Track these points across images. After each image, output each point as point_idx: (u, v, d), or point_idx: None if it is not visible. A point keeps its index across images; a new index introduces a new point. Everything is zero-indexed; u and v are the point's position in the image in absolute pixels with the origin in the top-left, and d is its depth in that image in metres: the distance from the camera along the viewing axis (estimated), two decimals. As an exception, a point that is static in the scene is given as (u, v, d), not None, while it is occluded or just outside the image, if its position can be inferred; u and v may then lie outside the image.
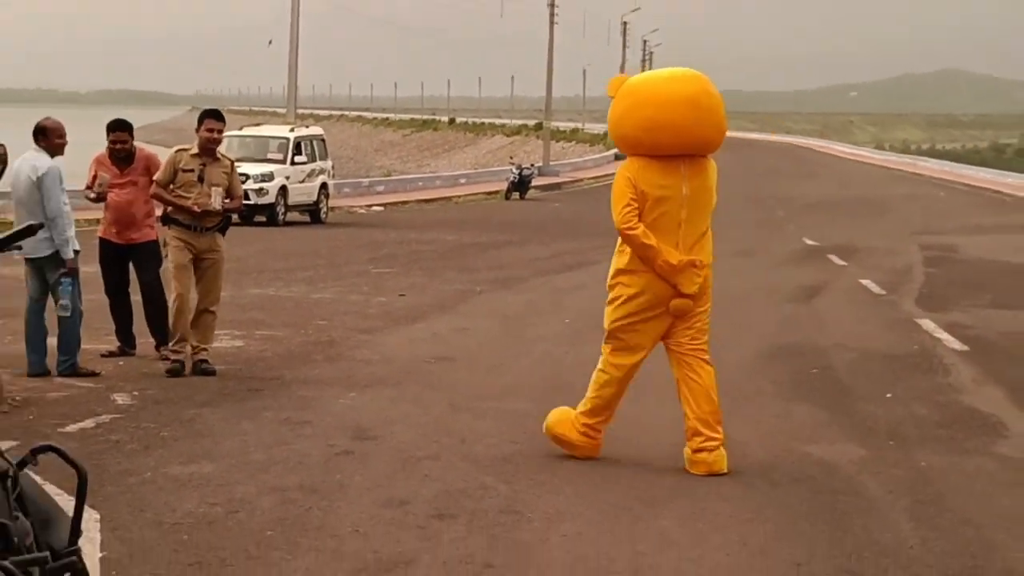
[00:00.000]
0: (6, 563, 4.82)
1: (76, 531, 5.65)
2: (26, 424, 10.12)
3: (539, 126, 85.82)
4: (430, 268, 24.65)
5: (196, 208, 12.88)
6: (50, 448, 5.69)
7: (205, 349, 12.91)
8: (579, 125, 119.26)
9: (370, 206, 44.20)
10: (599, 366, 9.59)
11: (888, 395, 12.45)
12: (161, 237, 13.51)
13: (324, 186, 37.88)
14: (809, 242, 33.66)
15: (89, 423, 10.43)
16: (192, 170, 12.98)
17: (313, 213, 37.16)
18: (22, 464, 5.49)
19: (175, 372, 12.56)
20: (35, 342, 12.55)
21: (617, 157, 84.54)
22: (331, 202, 38.97)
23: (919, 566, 7.55)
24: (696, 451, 9.29)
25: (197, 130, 13.26)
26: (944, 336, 16.39)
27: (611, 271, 9.46)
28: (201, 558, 7.25)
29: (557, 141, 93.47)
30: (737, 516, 8.43)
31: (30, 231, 6.36)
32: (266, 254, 26.97)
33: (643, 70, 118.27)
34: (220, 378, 12.50)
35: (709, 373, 9.50)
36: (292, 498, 8.49)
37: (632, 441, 10.28)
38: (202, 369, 12.67)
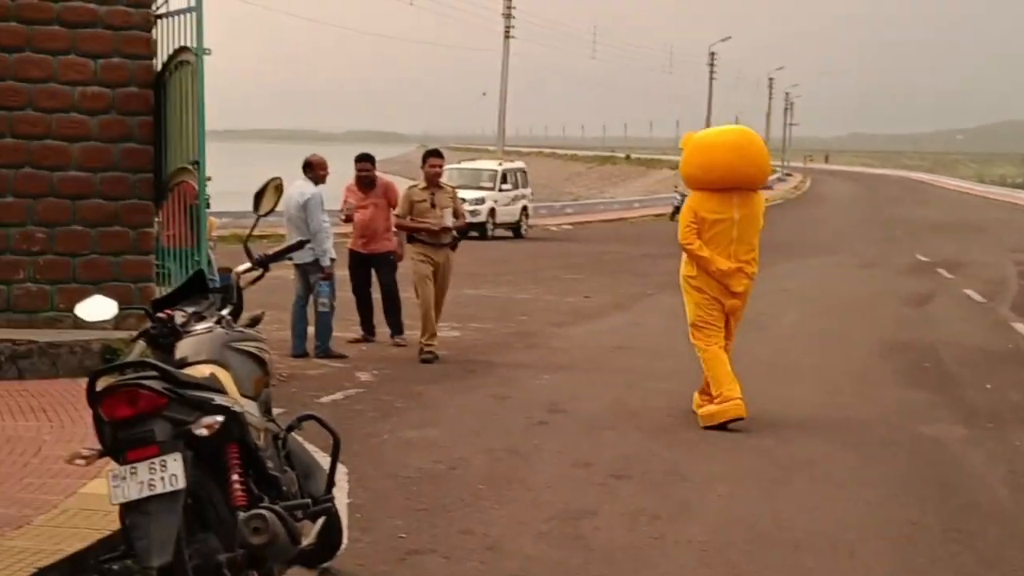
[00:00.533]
0: (277, 507, 4.94)
1: (331, 482, 5.77)
2: (290, 395, 10.31)
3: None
4: (610, 274, 24.65)
5: (434, 226, 13.03)
6: (311, 417, 5.83)
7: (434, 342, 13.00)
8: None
9: (561, 224, 44.22)
10: (698, 354, 10.20)
11: (988, 385, 12.12)
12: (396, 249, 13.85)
13: (524, 208, 38.07)
14: (921, 258, 32.90)
15: (339, 395, 10.64)
16: (424, 200, 13.12)
17: (515, 230, 37.38)
18: (290, 428, 5.63)
19: (428, 360, 12.63)
20: (299, 330, 12.82)
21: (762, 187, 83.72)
22: (530, 221, 39.15)
23: (1013, 524, 7.41)
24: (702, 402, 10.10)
25: (422, 166, 13.41)
26: (1035, 337, 15.96)
27: (681, 277, 10.31)
28: (427, 505, 7.33)
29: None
30: (860, 481, 8.30)
31: (299, 246, 6.54)
32: (478, 262, 27.09)
33: (785, 117, 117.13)
34: (442, 362, 12.62)
35: (728, 350, 10.27)
36: (499, 458, 8.55)
37: (771, 417, 10.17)
38: (429, 355, 12.79)
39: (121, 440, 4.65)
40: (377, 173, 14.13)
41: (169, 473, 4.57)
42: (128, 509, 4.59)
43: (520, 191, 37.99)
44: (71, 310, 5.65)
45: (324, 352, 12.68)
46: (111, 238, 11.16)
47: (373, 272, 13.97)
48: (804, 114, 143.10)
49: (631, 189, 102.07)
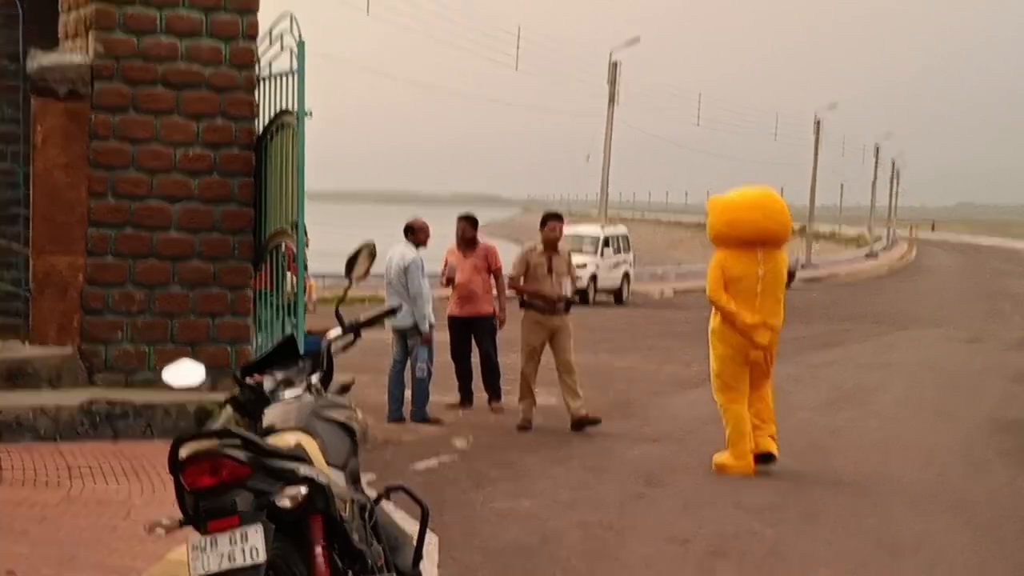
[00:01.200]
0: (362, 581, 4.78)
1: (418, 555, 5.60)
2: (385, 461, 10.20)
3: (803, 229, 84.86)
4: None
5: (552, 295, 12.90)
6: (400, 488, 5.67)
7: (579, 404, 12.76)
8: (836, 228, 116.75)
9: (663, 292, 43.91)
10: (720, 410, 10.83)
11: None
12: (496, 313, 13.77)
13: (627, 274, 37.82)
14: (1031, 333, 32.11)
15: (433, 462, 10.51)
16: (541, 264, 12.96)
17: (617, 295, 37.12)
18: (378, 499, 5.48)
19: (523, 428, 12.52)
20: (395, 394, 12.74)
21: (868, 256, 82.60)
22: (632, 287, 38.87)
23: None
24: (758, 439, 10.63)
25: (541, 229, 13.25)
26: None
27: (709, 330, 10.86)
28: (518, 579, 7.16)
29: (817, 240, 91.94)
30: (968, 565, 7.97)
31: (391, 312, 6.42)
32: (579, 328, 26.40)
33: (892, 186, 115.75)
34: (537, 431, 12.46)
35: (767, 390, 10.90)
36: (593, 533, 8.33)
37: (876, 495, 9.84)
38: (586, 421, 12.57)
39: (203, 510, 4.54)
40: (478, 236, 14.05)
41: (250, 545, 4.45)
42: (208, 582, 4.47)
43: (622, 256, 37.75)
44: (167, 371, 5.58)
45: (421, 417, 12.58)
46: (209, 299, 11.18)
47: (472, 337, 13.86)
48: (911, 183, 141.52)
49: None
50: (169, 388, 5.20)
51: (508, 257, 14.28)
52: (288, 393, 5.25)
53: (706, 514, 9.04)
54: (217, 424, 5.12)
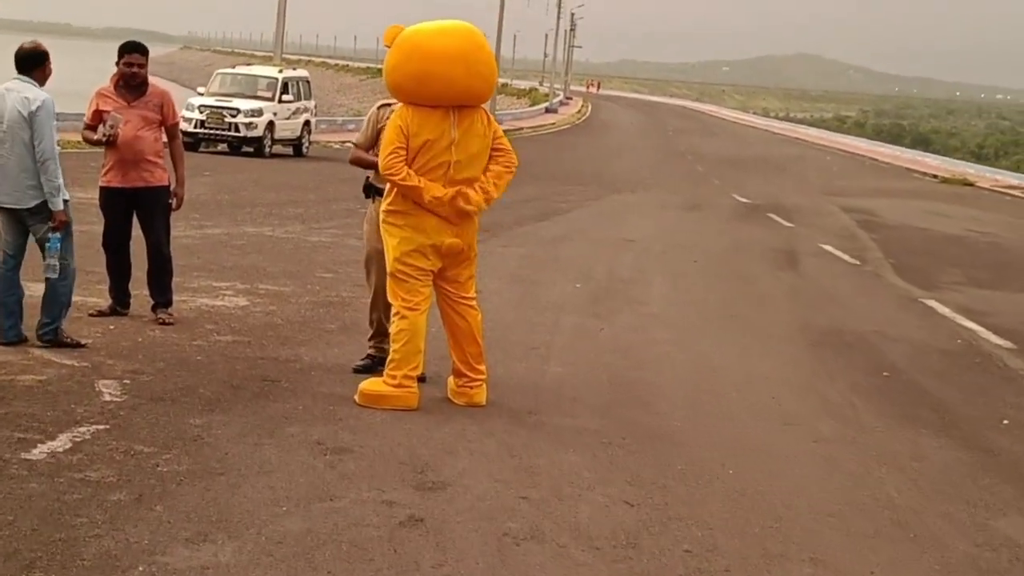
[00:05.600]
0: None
1: None
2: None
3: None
4: (416, 210, 20.62)
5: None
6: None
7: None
8: (508, 81, 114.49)
9: (344, 142, 39.94)
10: (392, 317, 7.78)
11: (1005, 421, 8.67)
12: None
13: (307, 123, 33.66)
14: (740, 198, 30.21)
15: (62, 443, 6.30)
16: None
17: (296, 147, 32.95)
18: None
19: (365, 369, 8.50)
20: (9, 304, 8.53)
21: (548, 110, 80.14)
22: (311, 137, 34.78)
23: None
24: (460, 387, 7.91)
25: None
26: (972, 326, 12.70)
27: (379, 212, 7.92)
28: None
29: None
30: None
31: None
32: (257, 186, 22.87)
33: (568, 40, 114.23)
34: (228, 359, 8.48)
35: (475, 318, 7.96)
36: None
37: (743, 465, 6.48)
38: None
39: None
40: (151, 77, 9.87)
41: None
42: None
43: (303, 103, 33.50)
44: None
45: (52, 335, 8.48)
46: None
47: (137, 217, 9.79)
48: (584, 37, 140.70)
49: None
50: None
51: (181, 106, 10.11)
52: None
53: (527, 553, 5.44)
54: None
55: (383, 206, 7.86)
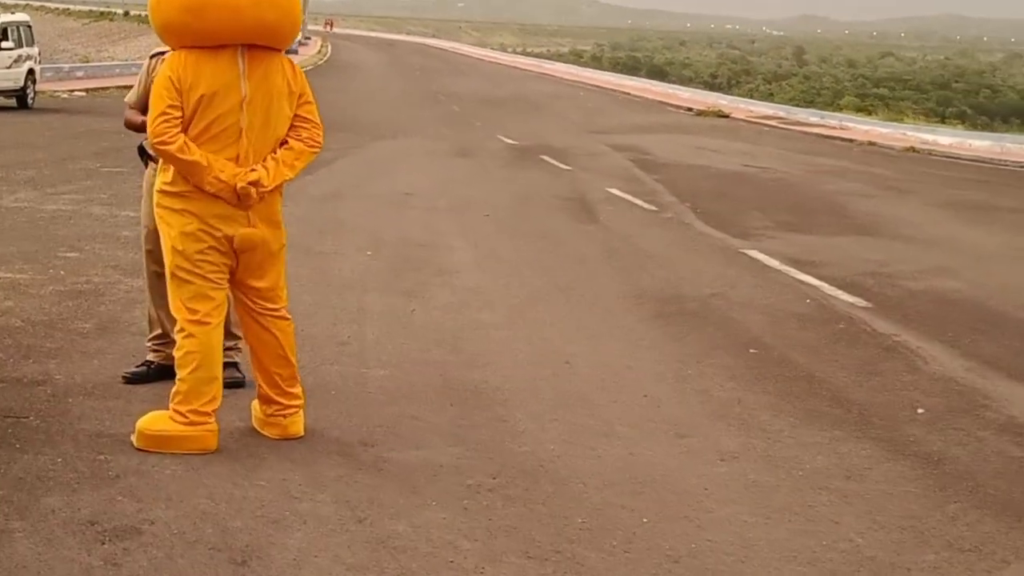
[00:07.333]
0: None
1: None
2: None
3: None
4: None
5: None
6: None
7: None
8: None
9: (72, 91, 36.94)
10: (176, 336, 5.79)
11: (920, 411, 7.31)
12: None
13: (31, 72, 30.64)
14: (507, 140, 28.83)
15: None
16: None
17: (20, 99, 29.95)
18: None
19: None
20: None
21: (288, 52, 77.03)
22: (37, 87, 31.76)
23: None
24: (271, 416, 5.98)
25: None
26: (811, 280, 11.48)
27: (153, 194, 5.95)
28: None
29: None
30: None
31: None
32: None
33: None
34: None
35: (285, 331, 5.99)
36: None
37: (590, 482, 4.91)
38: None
39: None
40: None
41: None
42: None
43: (25, 51, 30.48)
44: None
45: None
46: None
47: None
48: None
49: (133, 48, 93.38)
50: None
51: None
52: None
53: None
54: None
55: (157, 185, 5.90)
